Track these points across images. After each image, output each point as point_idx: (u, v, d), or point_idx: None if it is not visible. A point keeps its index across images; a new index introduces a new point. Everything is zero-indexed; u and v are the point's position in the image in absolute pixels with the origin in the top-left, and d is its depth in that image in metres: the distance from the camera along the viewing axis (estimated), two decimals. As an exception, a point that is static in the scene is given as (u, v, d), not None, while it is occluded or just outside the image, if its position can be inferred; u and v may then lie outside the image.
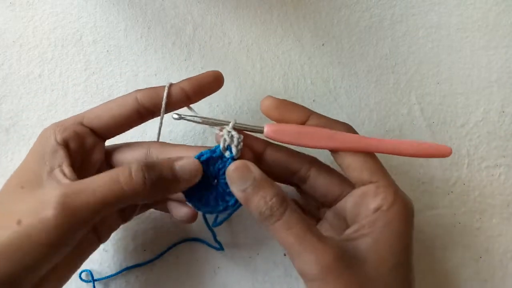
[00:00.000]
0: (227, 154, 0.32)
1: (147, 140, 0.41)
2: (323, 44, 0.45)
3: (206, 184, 0.33)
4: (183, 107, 0.35)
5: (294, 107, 0.34)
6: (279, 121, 0.34)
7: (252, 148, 0.34)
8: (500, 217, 0.43)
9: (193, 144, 0.43)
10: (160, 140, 0.36)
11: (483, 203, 0.43)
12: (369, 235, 0.31)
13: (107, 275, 0.40)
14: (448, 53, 0.45)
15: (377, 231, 0.31)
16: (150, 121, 0.35)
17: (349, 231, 0.32)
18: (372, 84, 0.45)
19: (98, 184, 0.29)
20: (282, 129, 0.33)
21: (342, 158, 0.34)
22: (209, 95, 0.35)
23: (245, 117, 0.44)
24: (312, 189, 0.35)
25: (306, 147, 0.34)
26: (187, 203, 0.33)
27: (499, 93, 0.45)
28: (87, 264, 0.39)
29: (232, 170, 0.31)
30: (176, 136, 0.43)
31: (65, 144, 0.32)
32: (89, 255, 0.35)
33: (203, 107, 0.43)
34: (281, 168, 0.35)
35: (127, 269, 0.40)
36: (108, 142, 0.36)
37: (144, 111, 0.34)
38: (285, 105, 0.33)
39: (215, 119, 0.34)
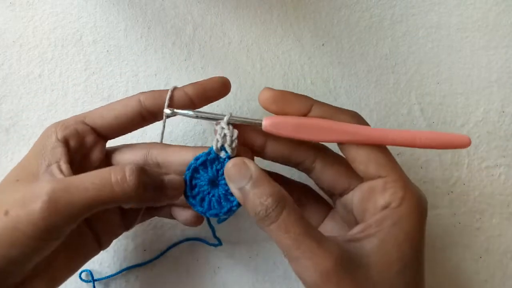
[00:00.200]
0: (222, 154, 0.32)
1: (147, 140, 0.41)
2: (323, 44, 0.45)
3: (207, 188, 0.32)
4: (185, 110, 0.34)
5: (294, 98, 0.32)
6: (279, 114, 0.32)
7: (252, 142, 0.33)
8: (500, 217, 0.43)
9: (193, 144, 0.43)
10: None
11: (483, 203, 0.43)
12: (375, 235, 0.29)
13: (107, 275, 0.40)
14: (448, 53, 0.45)
15: (384, 231, 0.29)
16: (151, 122, 0.35)
17: (354, 231, 0.30)
18: (372, 84, 0.45)
19: (90, 181, 0.28)
20: (282, 123, 0.31)
21: (348, 150, 0.31)
22: (214, 101, 0.35)
23: (245, 117, 0.44)
24: (319, 180, 0.34)
25: (307, 140, 0.32)
26: (195, 210, 0.33)
27: (499, 93, 0.45)
28: (87, 264, 0.39)
29: (229, 168, 0.30)
30: (177, 136, 0.43)
31: (65, 142, 0.32)
32: (87, 260, 0.35)
33: (203, 107, 0.43)
34: (284, 161, 0.34)
35: (127, 269, 0.40)
36: (110, 143, 0.35)
37: (146, 113, 0.33)
38: (285, 96, 0.31)
39: (209, 113, 0.33)
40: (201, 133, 0.43)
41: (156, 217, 0.41)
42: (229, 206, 0.32)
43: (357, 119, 0.32)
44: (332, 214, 0.36)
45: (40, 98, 0.43)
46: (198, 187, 0.32)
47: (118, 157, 0.34)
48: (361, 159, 0.31)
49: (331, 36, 0.45)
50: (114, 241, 0.40)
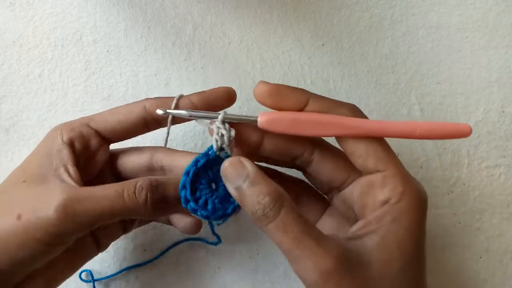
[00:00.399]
0: (222, 154, 0.31)
1: (148, 140, 0.41)
2: (323, 44, 0.45)
3: (207, 190, 0.31)
4: (190, 120, 0.34)
5: (290, 92, 0.31)
6: (275, 108, 0.31)
7: (249, 139, 0.32)
8: (500, 217, 0.43)
9: (193, 144, 0.43)
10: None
11: (483, 203, 0.43)
12: (375, 232, 0.29)
13: (107, 275, 0.40)
14: (448, 53, 0.46)
15: (384, 228, 0.28)
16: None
17: (354, 228, 0.30)
18: (372, 84, 0.45)
19: (103, 195, 0.29)
20: (277, 119, 0.30)
21: (346, 144, 0.31)
22: (219, 110, 0.34)
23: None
24: (317, 173, 0.33)
25: (304, 136, 0.32)
26: (198, 215, 0.32)
27: (499, 93, 0.45)
28: (87, 264, 0.39)
29: (226, 167, 0.30)
30: (176, 136, 0.43)
31: (71, 144, 0.32)
32: (86, 262, 0.35)
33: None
34: (282, 155, 0.33)
35: (127, 269, 0.40)
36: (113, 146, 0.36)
37: (150, 120, 0.33)
38: (280, 90, 0.31)
39: (203, 112, 0.32)
40: (201, 133, 0.43)
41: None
42: (232, 207, 0.31)
43: (355, 112, 0.31)
44: (330, 210, 0.35)
45: (40, 98, 0.43)
46: (199, 190, 0.31)
47: (123, 160, 0.35)
48: (359, 152, 0.30)
49: (331, 36, 0.45)
50: (114, 241, 0.40)
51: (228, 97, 0.34)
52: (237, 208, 0.31)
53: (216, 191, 0.32)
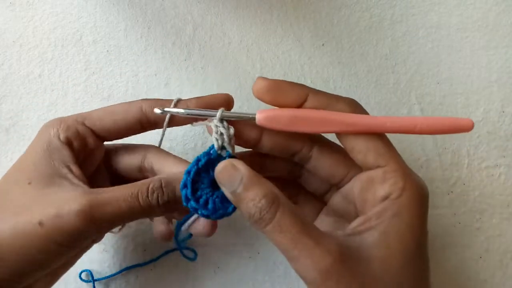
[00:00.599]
0: (223, 153, 0.31)
1: (148, 139, 0.41)
2: (323, 44, 0.45)
3: (208, 189, 0.31)
4: (185, 124, 0.34)
5: (289, 88, 0.30)
6: (274, 104, 0.31)
7: (247, 136, 0.32)
8: (500, 217, 0.43)
9: (193, 144, 0.43)
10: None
11: (483, 203, 0.43)
12: (376, 228, 0.28)
13: (107, 275, 0.40)
14: (448, 53, 0.45)
15: (385, 223, 0.28)
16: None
17: (354, 224, 0.30)
18: (372, 84, 0.45)
19: (122, 198, 0.29)
20: (276, 116, 0.30)
21: (345, 139, 0.31)
22: None
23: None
24: (316, 169, 0.33)
25: (303, 133, 0.31)
26: (198, 214, 0.32)
27: (499, 93, 0.45)
28: (87, 264, 0.39)
29: (219, 172, 0.30)
30: (176, 136, 0.43)
31: (69, 143, 0.32)
32: (83, 254, 0.35)
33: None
34: (281, 151, 0.33)
35: (127, 269, 0.40)
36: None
37: (146, 122, 0.33)
38: (279, 86, 0.30)
39: (200, 110, 0.32)
40: (201, 133, 0.43)
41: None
42: (234, 206, 0.31)
43: (354, 106, 0.31)
44: (325, 210, 0.35)
45: (40, 98, 0.43)
46: (200, 189, 0.31)
47: (116, 160, 0.35)
48: (359, 148, 0.30)
49: (331, 36, 0.45)
50: (114, 241, 0.40)
51: (226, 103, 0.34)
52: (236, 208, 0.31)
53: (217, 190, 0.31)
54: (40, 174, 0.31)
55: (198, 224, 0.34)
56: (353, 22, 0.46)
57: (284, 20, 0.45)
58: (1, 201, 0.30)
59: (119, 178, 0.36)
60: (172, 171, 0.32)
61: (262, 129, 0.32)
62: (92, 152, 0.34)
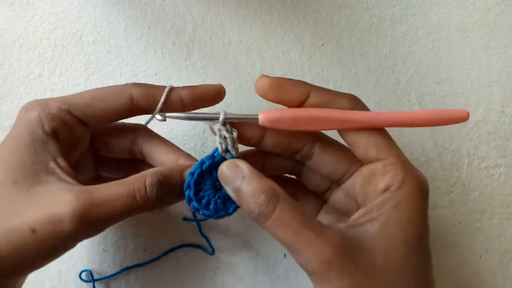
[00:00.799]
0: (227, 156, 0.32)
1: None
2: (323, 44, 0.45)
3: (211, 190, 0.32)
4: (178, 112, 0.34)
5: (291, 85, 0.31)
6: (276, 102, 0.31)
7: (250, 137, 0.33)
8: (500, 217, 0.43)
9: (193, 144, 0.43)
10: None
11: (483, 203, 0.43)
12: (376, 220, 0.28)
13: (107, 275, 0.40)
14: (448, 53, 0.46)
15: (385, 214, 0.28)
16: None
17: (355, 216, 0.30)
18: (372, 84, 0.45)
19: (117, 197, 0.28)
20: (278, 117, 0.31)
21: (346, 135, 0.31)
22: (207, 106, 0.34)
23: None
24: (318, 166, 0.33)
25: (305, 131, 0.32)
26: (200, 214, 0.32)
27: (499, 93, 0.45)
28: (87, 264, 0.39)
29: (222, 171, 0.30)
30: (177, 135, 0.43)
31: (55, 135, 0.31)
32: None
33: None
34: (283, 150, 0.33)
35: (127, 269, 0.40)
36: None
37: (137, 109, 0.32)
38: (281, 84, 0.31)
39: (202, 114, 0.32)
40: (201, 133, 0.43)
41: (156, 218, 0.41)
42: (235, 206, 0.32)
43: (355, 102, 0.32)
44: (326, 208, 0.35)
45: (40, 98, 0.43)
46: (203, 191, 0.32)
47: (103, 142, 0.34)
48: (360, 143, 0.31)
49: (331, 36, 0.45)
50: (114, 241, 0.40)
51: (217, 94, 0.34)
52: (238, 207, 0.32)
53: (220, 191, 0.32)
54: (26, 171, 0.29)
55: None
56: (353, 22, 0.46)
57: (284, 20, 0.45)
58: None
59: (105, 160, 0.35)
60: (164, 160, 0.33)
61: (264, 129, 0.32)
62: (78, 141, 0.33)
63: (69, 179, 0.29)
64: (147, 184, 0.29)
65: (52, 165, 0.30)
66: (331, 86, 0.44)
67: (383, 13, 0.46)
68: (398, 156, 0.30)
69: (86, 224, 0.27)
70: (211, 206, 0.32)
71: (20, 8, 0.44)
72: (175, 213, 0.41)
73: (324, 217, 0.36)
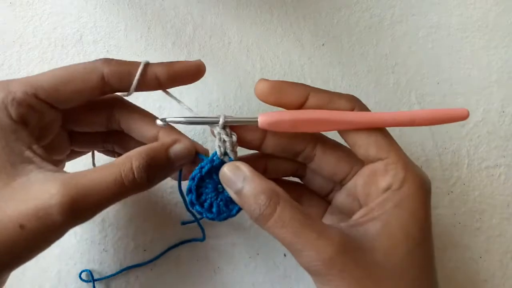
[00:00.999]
0: (226, 159, 0.32)
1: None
2: (323, 44, 0.45)
3: (213, 193, 0.32)
4: (153, 90, 0.33)
5: (290, 88, 0.31)
6: (276, 105, 0.31)
7: (250, 139, 0.32)
8: (500, 217, 0.43)
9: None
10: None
11: (483, 203, 0.43)
12: (378, 218, 0.28)
13: (107, 275, 0.40)
14: (448, 53, 0.45)
15: (387, 213, 0.28)
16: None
17: (356, 216, 0.30)
18: (372, 84, 0.45)
19: (104, 185, 0.27)
20: (277, 119, 0.31)
21: (347, 135, 0.31)
22: (186, 84, 0.34)
23: (245, 117, 0.44)
24: (320, 168, 0.33)
25: (306, 133, 0.32)
26: (204, 217, 0.33)
27: (499, 93, 0.45)
28: (87, 264, 0.39)
29: (223, 173, 0.30)
30: (176, 136, 0.43)
31: (23, 121, 0.28)
32: None
33: (203, 107, 0.43)
34: (284, 152, 0.33)
35: (127, 269, 0.40)
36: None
37: (109, 89, 0.31)
38: (280, 87, 0.31)
39: (202, 117, 0.32)
40: (201, 133, 0.43)
41: (156, 218, 0.41)
42: (238, 208, 0.32)
43: (355, 103, 0.31)
44: (330, 210, 0.35)
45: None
46: (204, 194, 0.32)
47: (78, 118, 0.33)
48: (361, 143, 0.31)
49: (331, 36, 0.45)
50: (114, 241, 0.40)
51: (196, 71, 0.33)
52: (241, 209, 0.32)
53: (222, 193, 0.32)
54: (2, 164, 0.27)
55: None
56: (353, 22, 0.46)
57: (284, 20, 0.45)
58: None
59: (79, 134, 0.34)
60: (144, 132, 0.32)
61: (265, 132, 0.32)
62: (49, 124, 0.31)
63: (49, 166, 0.28)
64: (134, 167, 0.28)
65: (28, 153, 0.28)
66: (331, 86, 0.44)
67: (383, 13, 0.46)
68: (399, 155, 0.30)
69: (75, 215, 0.26)
70: (214, 209, 0.32)
71: (20, 8, 0.44)
72: (175, 213, 0.41)
73: (328, 219, 0.36)
